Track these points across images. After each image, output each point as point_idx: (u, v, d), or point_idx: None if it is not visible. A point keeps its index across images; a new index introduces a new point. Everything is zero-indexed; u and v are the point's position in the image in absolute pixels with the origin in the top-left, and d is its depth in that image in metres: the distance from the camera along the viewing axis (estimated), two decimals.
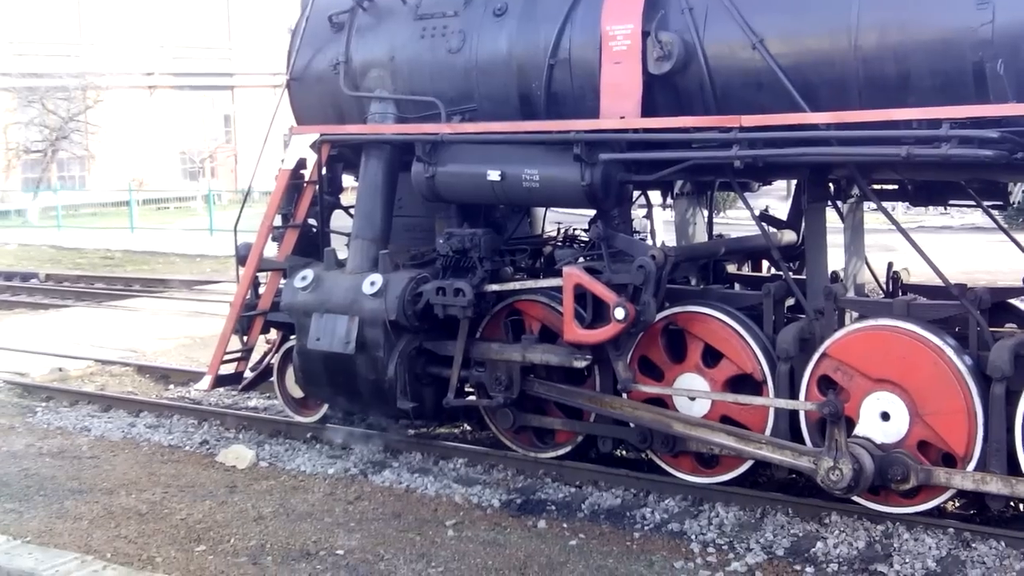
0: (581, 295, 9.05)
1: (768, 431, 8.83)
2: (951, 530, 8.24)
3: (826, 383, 8.60)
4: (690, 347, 9.29)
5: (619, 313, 8.77)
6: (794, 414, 8.76)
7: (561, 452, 9.99)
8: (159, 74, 49.70)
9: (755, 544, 8.31)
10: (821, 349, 8.62)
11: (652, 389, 9.28)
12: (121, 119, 45.97)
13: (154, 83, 49.85)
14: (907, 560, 7.92)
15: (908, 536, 8.26)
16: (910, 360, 8.25)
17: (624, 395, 9.35)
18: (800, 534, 8.47)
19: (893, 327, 8.39)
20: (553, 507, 9.22)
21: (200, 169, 49.52)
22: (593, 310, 9.07)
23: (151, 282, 24.34)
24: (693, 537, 8.52)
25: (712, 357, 9.18)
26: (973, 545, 8.06)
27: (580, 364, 9.31)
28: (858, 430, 8.39)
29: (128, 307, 20.68)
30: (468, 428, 11.35)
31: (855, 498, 8.45)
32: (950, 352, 8.14)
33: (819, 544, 8.24)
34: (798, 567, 7.97)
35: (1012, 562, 7.82)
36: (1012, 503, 8.47)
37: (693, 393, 9.17)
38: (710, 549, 8.31)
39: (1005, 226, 10.48)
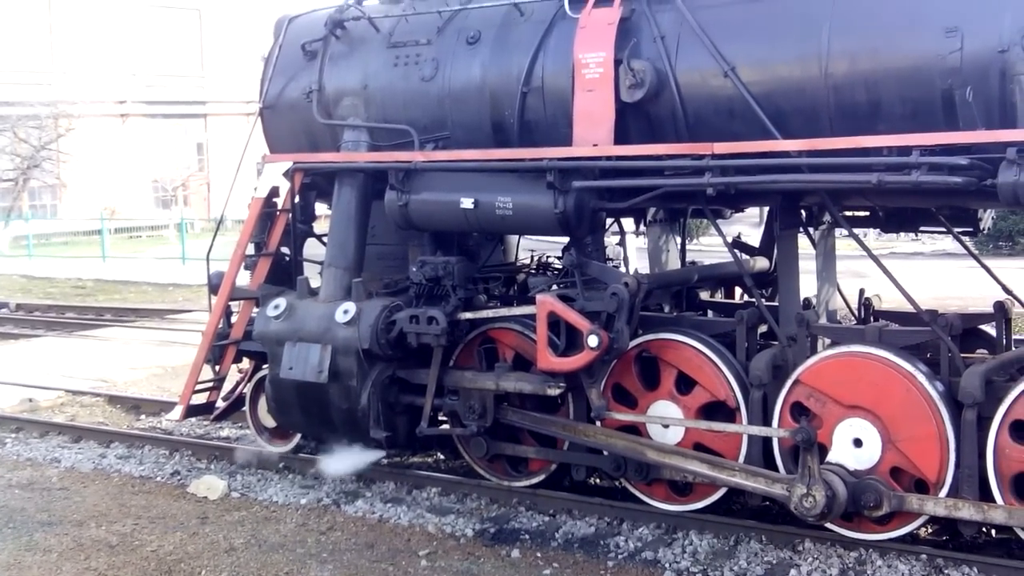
0: (555, 323, 9.04)
1: (741, 458, 8.83)
2: (924, 556, 8.24)
3: (799, 410, 8.61)
4: (663, 374, 9.29)
5: (592, 341, 8.77)
6: (767, 441, 8.77)
7: (535, 480, 9.97)
8: (131, 102, 49.65)
9: (729, 572, 8.29)
10: (794, 376, 8.64)
11: (625, 417, 9.27)
12: (93, 147, 45.86)
13: (126, 111, 49.80)
14: None
15: (881, 563, 8.27)
16: (882, 386, 8.27)
17: (598, 423, 9.34)
18: (774, 561, 8.46)
19: (865, 353, 8.42)
20: (527, 536, 9.18)
21: (172, 197, 49.43)
22: (566, 338, 9.06)
23: (122, 311, 24.21)
24: (667, 565, 8.50)
25: (685, 384, 9.19)
26: (946, 571, 8.07)
27: (553, 392, 9.29)
28: (831, 457, 8.40)
29: (99, 337, 20.56)
30: (441, 457, 11.31)
31: (828, 525, 8.45)
32: (922, 378, 8.17)
33: (793, 571, 8.23)
34: None
35: None
36: (985, 529, 8.49)
37: (666, 420, 9.16)
38: None
39: (975, 252, 10.55)
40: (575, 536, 9.12)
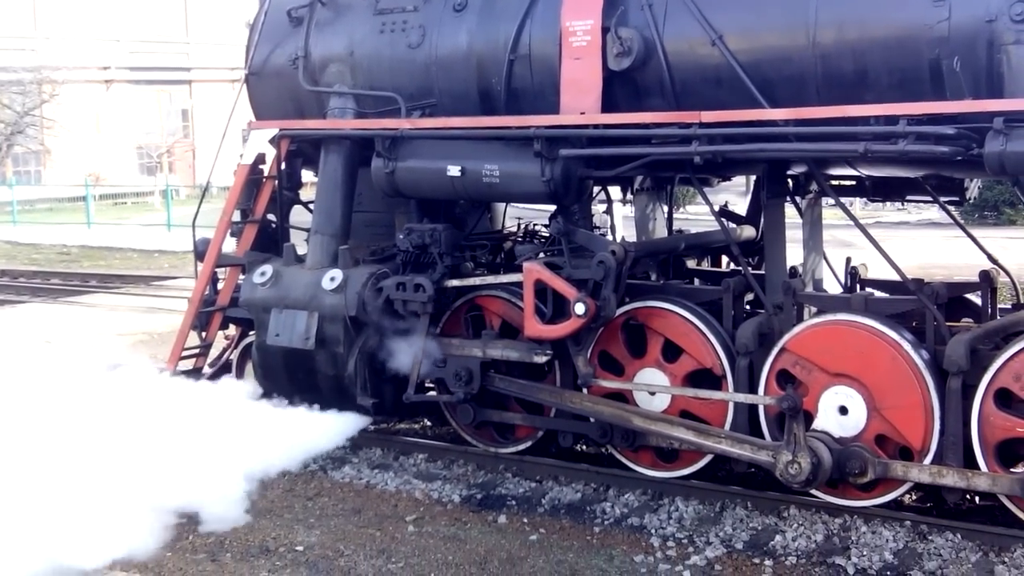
0: (541, 290, 9.06)
1: (727, 425, 8.87)
2: (908, 523, 8.31)
3: (785, 377, 8.65)
4: (650, 342, 9.32)
5: (579, 308, 8.80)
6: (753, 408, 8.81)
7: (521, 447, 10.01)
8: (115, 68, 49.37)
9: (714, 537, 8.35)
10: (780, 344, 8.67)
11: (612, 384, 9.30)
12: (77, 114, 45.60)
13: (110, 77, 49.51)
14: (865, 553, 7.99)
15: (866, 529, 8.33)
16: (868, 355, 8.31)
17: (584, 390, 9.37)
18: (759, 527, 8.52)
19: (851, 322, 8.45)
20: (513, 502, 9.23)
21: (158, 164, 49.17)
22: (553, 305, 9.09)
23: (108, 278, 24.14)
24: (653, 531, 8.55)
25: (672, 352, 9.22)
26: (930, 538, 8.14)
27: (540, 360, 9.32)
28: (816, 424, 8.45)
29: (84, 303, 20.52)
30: (428, 424, 11.34)
31: (813, 491, 8.51)
32: (907, 347, 8.21)
33: (778, 537, 8.30)
34: (757, 560, 8.02)
35: (968, 554, 7.90)
36: (968, 496, 8.56)
37: (653, 388, 9.19)
38: (670, 543, 8.34)
39: (961, 221, 10.58)
40: (561, 502, 9.17)
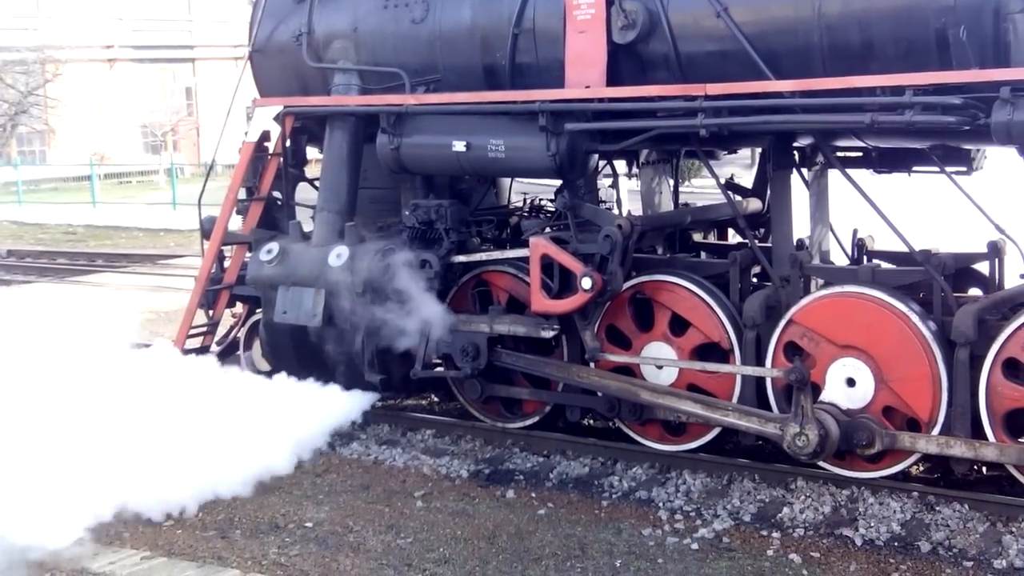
0: (548, 265, 9.07)
1: (735, 398, 8.88)
2: (915, 494, 8.32)
3: (792, 350, 8.65)
4: (657, 316, 9.31)
5: (586, 283, 8.80)
6: (761, 381, 8.81)
7: (529, 422, 10.02)
8: (119, 47, 49.21)
9: (722, 510, 8.37)
10: (787, 316, 8.67)
11: (619, 358, 9.31)
12: (81, 93, 45.48)
13: (114, 56, 49.37)
14: (872, 524, 8.00)
15: (873, 500, 8.34)
16: (875, 326, 8.31)
17: (592, 364, 9.37)
18: (767, 500, 8.54)
19: (858, 293, 8.45)
20: (521, 477, 9.25)
21: (162, 143, 49.06)
22: (560, 280, 9.09)
23: (114, 257, 24.15)
24: (661, 504, 8.57)
25: (679, 326, 9.22)
26: (937, 508, 8.14)
27: (547, 334, 9.32)
28: (824, 396, 8.45)
29: (91, 282, 20.52)
30: (436, 399, 11.35)
31: (821, 463, 8.52)
32: (915, 318, 8.20)
33: (786, 509, 8.31)
34: (765, 533, 8.03)
35: (975, 524, 7.91)
36: (976, 466, 8.56)
37: (660, 362, 9.20)
38: (678, 516, 8.36)
39: (968, 191, 10.53)
40: (569, 476, 9.18)
